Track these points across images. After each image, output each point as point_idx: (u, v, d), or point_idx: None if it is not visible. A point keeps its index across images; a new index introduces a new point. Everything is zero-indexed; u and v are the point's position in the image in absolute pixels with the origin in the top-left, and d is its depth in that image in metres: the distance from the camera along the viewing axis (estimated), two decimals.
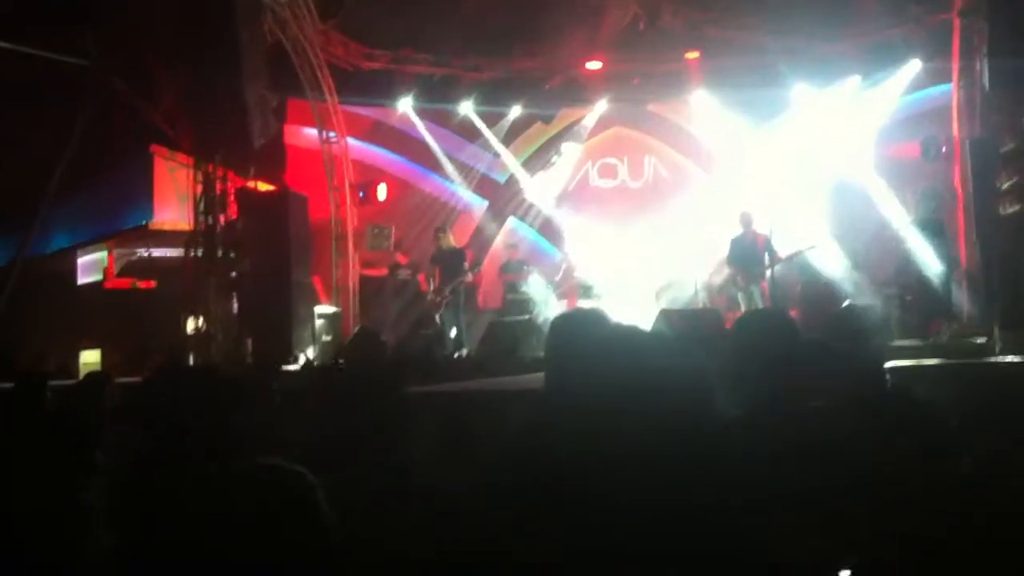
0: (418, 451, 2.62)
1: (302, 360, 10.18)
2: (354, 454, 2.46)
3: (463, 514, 1.89)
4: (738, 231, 11.78)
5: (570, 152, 15.12)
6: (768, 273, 11.40)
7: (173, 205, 12.00)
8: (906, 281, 11.48)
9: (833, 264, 12.48)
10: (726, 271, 12.20)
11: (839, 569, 1.73)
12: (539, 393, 2.72)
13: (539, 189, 15.00)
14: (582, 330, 2.67)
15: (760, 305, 11.18)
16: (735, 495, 1.58)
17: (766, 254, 11.40)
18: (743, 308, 11.51)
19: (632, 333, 1.79)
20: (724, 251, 12.01)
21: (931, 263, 11.33)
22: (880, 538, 1.76)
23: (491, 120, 14.92)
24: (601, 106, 14.95)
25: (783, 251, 11.44)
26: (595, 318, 2.84)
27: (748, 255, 11.53)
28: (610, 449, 1.59)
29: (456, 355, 11.68)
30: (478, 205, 15.24)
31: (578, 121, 15.19)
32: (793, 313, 10.71)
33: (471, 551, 1.76)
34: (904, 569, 1.74)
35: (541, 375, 2.67)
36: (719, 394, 1.74)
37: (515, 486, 1.85)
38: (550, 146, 15.17)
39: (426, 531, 1.91)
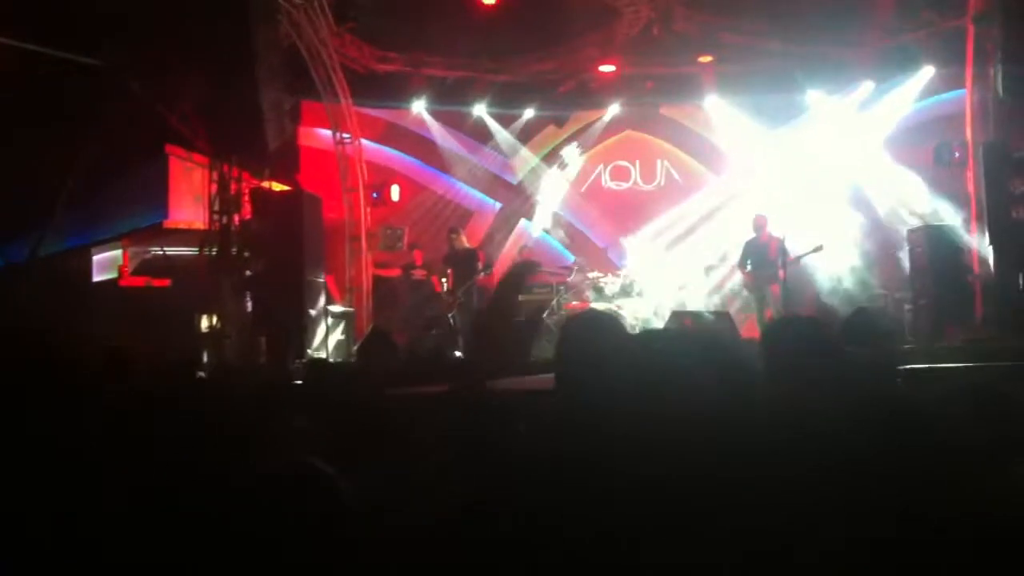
0: (421, 452, 2.62)
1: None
2: (353, 454, 2.46)
3: (469, 518, 1.89)
4: (751, 235, 11.80)
5: (575, 158, 15.13)
6: (781, 275, 11.37)
7: (188, 204, 12.06)
8: (919, 285, 11.47)
9: (844, 266, 12.49)
10: (738, 274, 12.21)
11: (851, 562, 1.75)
12: (550, 393, 2.72)
13: (551, 191, 15.02)
14: (595, 333, 2.69)
15: (772, 308, 11.18)
16: (756, 491, 1.61)
17: (780, 257, 11.38)
18: (756, 311, 11.53)
19: (648, 334, 1.81)
20: (737, 254, 12.03)
21: (944, 267, 11.31)
22: (888, 539, 1.78)
23: (504, 122, 14.97)
24: (614, 109, 14.97)
25: (793, 253, 11.44)
26: (607, 321, 2.86)
27: (760, 258, 11.54)
28: (627, 448, 1.62)
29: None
30: (491, 206, 15.29)
31: (591, 124, 15.21)
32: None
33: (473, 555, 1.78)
34: (902, 568, 1.75)
35: (550, 375, 2.69)
36: (739, 392, 1.77)
37: (525, 487, 1.86)
38: (562, 148, 15.19)
39: (430, 532, 1.91)
